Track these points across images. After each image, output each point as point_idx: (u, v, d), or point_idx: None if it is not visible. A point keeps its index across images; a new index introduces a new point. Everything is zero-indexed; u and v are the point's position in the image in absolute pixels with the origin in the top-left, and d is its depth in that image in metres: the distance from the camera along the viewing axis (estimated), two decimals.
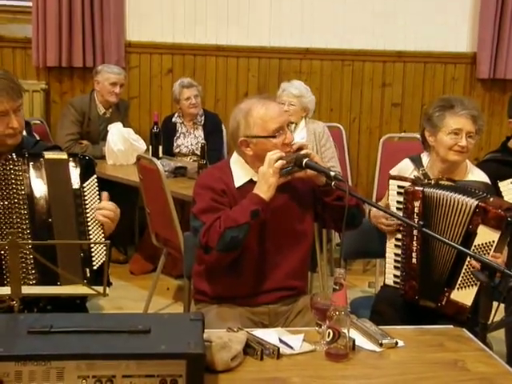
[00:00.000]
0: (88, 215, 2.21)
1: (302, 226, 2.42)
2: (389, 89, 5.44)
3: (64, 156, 2.27)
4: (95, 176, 2.27)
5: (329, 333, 1.82)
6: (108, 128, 4.51)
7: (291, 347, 1.87)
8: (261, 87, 5.31)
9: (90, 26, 4.95)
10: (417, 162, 2.81)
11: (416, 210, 2.50)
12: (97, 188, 2.26)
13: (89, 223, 2.21)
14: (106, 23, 4.98)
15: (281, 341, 1.89)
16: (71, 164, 2.24)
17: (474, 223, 2.40)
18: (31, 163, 2.21)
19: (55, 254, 2.13)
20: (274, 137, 2.31)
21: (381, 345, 1.91)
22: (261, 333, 1.93)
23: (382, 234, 2.69)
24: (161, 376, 1.54)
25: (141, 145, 4.50)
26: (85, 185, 2.24)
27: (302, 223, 2.42)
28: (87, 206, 2.22)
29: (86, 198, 2.23)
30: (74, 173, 2.24)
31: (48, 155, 2.27)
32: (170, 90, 5.05)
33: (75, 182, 2.23)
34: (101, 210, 2.20)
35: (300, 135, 4.23)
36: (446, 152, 2.69)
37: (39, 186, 2.21)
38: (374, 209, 2.70)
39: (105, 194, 2.26)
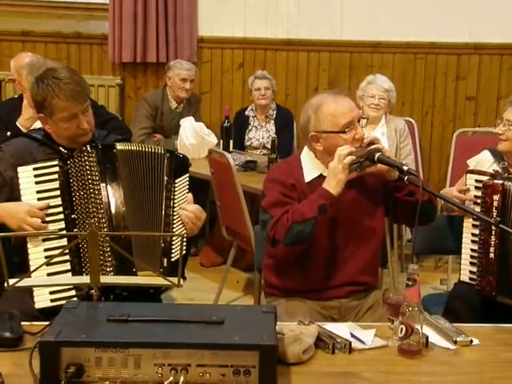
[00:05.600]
0: (175, 209, 2.28)
1: (373, 221, 2.40)
2: (463, 82, 5.30)
3: (157, 150, 2.34)
4: (188, 175, 2.34)
5: (401, 328, 1.80)
6: (180, 122, 4.58)
7: (363, 342, 1.86)
8: (331, 81, 5.27)
9: (164, 22, 5.03)
10: (497, 156, 2.76)
11: (495, 203, 2.42)
12: (188, 186, 2.33)
13: (175, 217, 2.28)
14: (179, 19, 5.06)
15: (352, 335, 1.89)
16: (166, 159, 2.31)
17: None
18: (105, 154, 2.28)
19: (130, 243, 2.21)
20: (343, 132, 2.29)
21: (455, 342, 1.88)
22: (332, 327, 1.94)
23: (456, 230, 2.63)
24: (234, 366, 1.57)
25: (212, 139, 4.55)
26: (177, 181, 2.32)
27: (372, 218, 2.40)
28: (176, 201, 2.29)
29: (176, 193, 2.30)
30: (168, 168, 2.30)
31: (133, 147, 2.34)
32: (240, 84, 5.09)
33: (167, 176, 2.30)
34: (186, 210, 2.27)
35: (380, 131, 4.18)
36: None
37: (113, 176, 2.27)
38: (446, 190, 2.77)
39: (189, 196, 2.32)
